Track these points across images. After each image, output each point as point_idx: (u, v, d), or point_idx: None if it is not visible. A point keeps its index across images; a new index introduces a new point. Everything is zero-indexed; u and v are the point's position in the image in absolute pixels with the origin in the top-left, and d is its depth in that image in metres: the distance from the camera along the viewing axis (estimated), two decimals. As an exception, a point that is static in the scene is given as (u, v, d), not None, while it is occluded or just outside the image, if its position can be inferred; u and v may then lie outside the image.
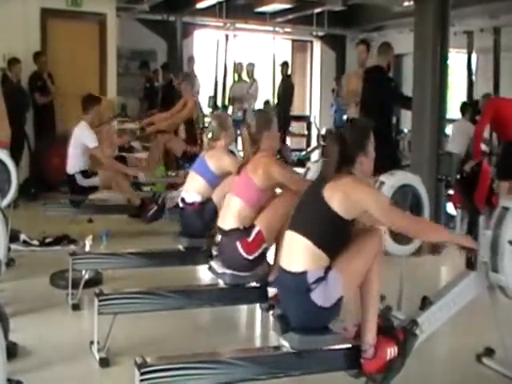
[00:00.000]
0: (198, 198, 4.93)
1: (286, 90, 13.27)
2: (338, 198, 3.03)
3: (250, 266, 4.06)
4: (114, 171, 7.11)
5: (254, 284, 4.16)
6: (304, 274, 3.01)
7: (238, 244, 3.99)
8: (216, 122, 5.19)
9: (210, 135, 5.12)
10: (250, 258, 4.00)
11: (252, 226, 4.02)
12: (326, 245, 3.05)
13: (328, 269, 3.03)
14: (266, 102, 13.59)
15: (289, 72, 13.57)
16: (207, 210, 4.88)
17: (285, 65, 13.36)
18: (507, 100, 7.82)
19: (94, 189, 7.13)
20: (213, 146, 5.09)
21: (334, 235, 3.09)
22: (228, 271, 4.10)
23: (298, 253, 3.08)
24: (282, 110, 13.07)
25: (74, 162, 6.99)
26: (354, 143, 3.20)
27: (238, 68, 12.65)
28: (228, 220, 4.11)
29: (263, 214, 4.04)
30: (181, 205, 5.08)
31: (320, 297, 2.99)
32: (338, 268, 3.03)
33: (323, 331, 3.09)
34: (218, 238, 4.23)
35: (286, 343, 3.07)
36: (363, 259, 3.11)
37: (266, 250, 4.08)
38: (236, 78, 12.94)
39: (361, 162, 3.19)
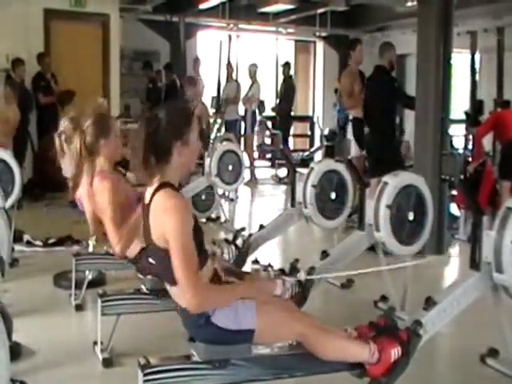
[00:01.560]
0: None
1: (288, 91, 13.25)
2: (159, 233, 2.67)
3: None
4: None
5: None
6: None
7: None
8: (68, 123, 4.63)
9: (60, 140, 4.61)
10: None
11: None
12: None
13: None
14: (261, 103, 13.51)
15: (291, 73, 13.56)
16: None
17: (286, 65, 13.35)
18: (507, 111, 7.93)
19: None
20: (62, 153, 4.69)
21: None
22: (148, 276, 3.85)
23: (178, 297, 2.78)
24: (284, 111, 13.07)
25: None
26: (167, 128, 2.72)
27: (229, 68, 12.58)
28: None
29: None
30: None
31: (223, 320, 2.75)
32: (258, 306, 2.80)
33: (231, 342, 2.87)
34: None
35: (193, 352, 2.93)
36: (285, 324, 2.88)
37: None
38: (229, 79, 12.80)
39: (179, 153, 2.74)
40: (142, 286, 3.94)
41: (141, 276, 3.93)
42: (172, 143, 2.72)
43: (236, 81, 12.45)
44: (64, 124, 4.66)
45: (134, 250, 3.99)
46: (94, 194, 3.88)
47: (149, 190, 2.77)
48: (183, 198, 2.76)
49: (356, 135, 7.57)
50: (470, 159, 7.74)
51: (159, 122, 2.72)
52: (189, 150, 2.78)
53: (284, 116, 13.21)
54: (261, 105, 12.76)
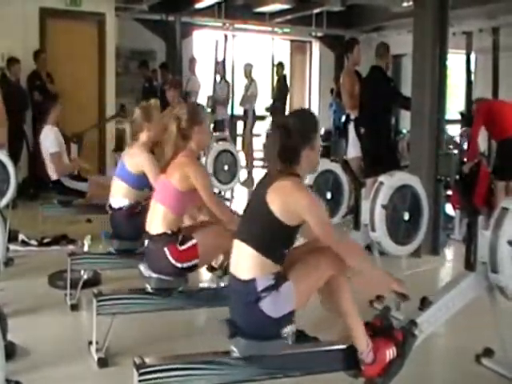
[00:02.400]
0: (125, 202, 4.71)
1: (282, 91, 13.16)
2: (279, 204, 2.90)
3: (178, 273, 3.87)
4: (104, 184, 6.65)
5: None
6: (253, 281, 2.90)
7: (166, 249, 3.80)
8: (140, 111, 4.82)
9: (132, 124, 4.80)
10: (179, 266, 3.81)
11: (179, 230, 3.86)
12: (271, 252, 2.93)
13: (280, 277, 2.92)
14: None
15: (284, 72, 13.47)
16: (136, 214, 4.58)
17: (280, 65, 13.25)
18: (497, 101, 7.87)
19: (80, 194, 6.78)
20: (135, 138, 4.80)
21: (280, 241, 2.97)
22: (154, 275, 3.89)
23: (244, 261, 2.96)
24: (278, 111, 12.95)
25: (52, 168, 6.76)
26: (298, 135, 2.98)
27: (218, 68, 12.54)
28: (154, 225, 3.88)
29: (205, 232, 3.90)
30: (108, 211, 4.87)
31: (269, 307, 2.89)
32: (293, 281, 2.93)
33: (271, 337, 2.97)
34: (145, 242, 3.97)
35: (233, 348, 2.99)
36: (319, 275, 3.00)
37: (196, 266, 3.92)
38: (218, 78, 12.74)
39: (307, 156, 3.01)
40: (147, 285, 3.94)
41: (146, 275, 3.92)
42: (302, 147, 2.98)
43: (226, 81, 12.42)
44: (136, 113, 4.79)
45: None
46: (179, 167, 3.87)
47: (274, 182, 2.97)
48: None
49: (357, 136, 7.57)
50: (466, 159, 7.74)
51: (290, 129, 2.98)
52: (314, 153, 3.05)
53: (278, 116, 13.15)
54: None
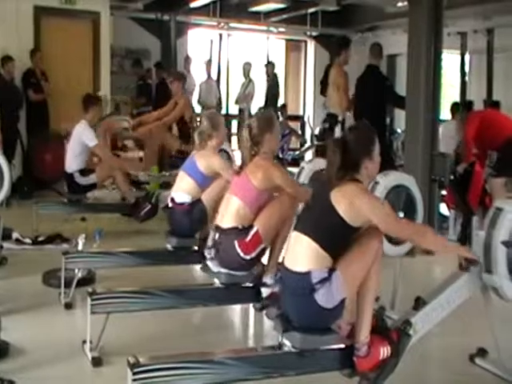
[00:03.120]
0: (187, 199, 4.92)
1: (272, 90, 13.07)
2: (344, 205, 3.06)
3: (247, 266, 4.05)
4: (111, 167, 7.15)
5: (247, 284, 4.15)
6: (308, 274, 3.02)
7: (236, 243, 3.98)
8: (208, 121, 5.13)
9: (201, 135, 5.07)
10: (247, 257, 3.99)
11: (250, 227, 4.01)
12: (330, 247, 3.07)
13: (331, 270, 3.04)
14: (283, 106, 13.53)
15: (275, 71, 13.41)
16: (196, 211, 4.87)
17: (270, 65, 13.19)
18: (485, 112, 7.86)
19: (92, 186, 7.17)
20: (203, 145, 5.06)
21: (339, 239, 3.11)
22: (224, 270, 4.09)
23: (302, 253, 3.09)
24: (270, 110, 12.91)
25: (72, 161, 7.03)
26: (358, 148, 3.21)
27: (208, 66, 12.46)
28: (227, 219, 4.09)
29: (261, 215, 4.03)
30: (170, 204, 5.05)
31: (323, 298, 3.01)
32: (341, 269, 3.05)
33: (325, 331, 3.11)
34: (216, 236, 4.18)
35: (287, 342, 3.08)
36: (364, 260, 3.12)
37: (263, 251, 4.07)
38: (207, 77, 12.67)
39: (366, 167, 3.21)
40: (216, 280, 4.17)
41: (215, 270, 4.14)
42: (361, 160, 3.19)
43: (213, 80, 12.41)
44: (204, 123, 5.11)
45: None
46: (262, 169, 4.10)
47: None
48: None
49: None
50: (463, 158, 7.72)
51: (349, 142, 3.20)
52: (373, 164, 3.25)
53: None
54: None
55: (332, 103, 7.95)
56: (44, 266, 5.37)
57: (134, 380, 2.78)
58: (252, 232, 3.98)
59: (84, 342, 3.87)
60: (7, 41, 9.32)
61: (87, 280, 5.04)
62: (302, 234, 3.13)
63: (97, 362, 3.73)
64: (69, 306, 4.70)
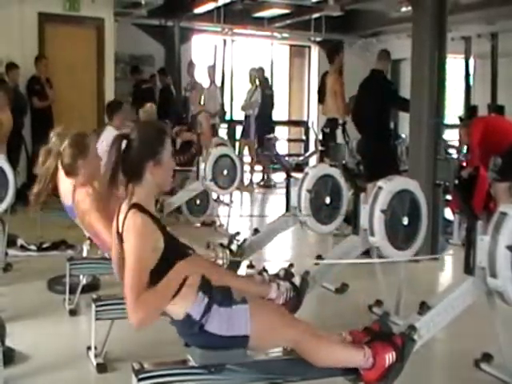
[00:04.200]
0: None
1: (265, 96, 12.86)
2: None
3: None
4: None
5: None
6: (187, 317, 2.73)
7: None
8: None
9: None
10: None
11: None
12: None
13: (207, 289, 2.75)
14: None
15: (265, 76, 13.25)
16: None
17: (260, 70, 12.96)
18: (490, 118, 7.86)
19: None
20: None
21: (165, 272, 2.63)
22: None
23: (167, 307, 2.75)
24: (263, 115, 12.63)
25: None
26: (140, 148, 2.70)
27: (211, 71, 12.45)
28: None
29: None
30: None
31: (217, 326, 2.73)
32: (253, 311, 2.79)
33: (228, 348, 2.86)
34: None
35: (189, 357, 2.92)
36: (279, 328, 2.88)
37: None
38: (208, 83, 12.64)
39: (151, 172, 2.71)
40: None
41: None
42: (144, 163, 2.70)
43: (216, 85, 12.41)
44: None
45: None
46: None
47: (120, 218, 2.71)
48: (145, 217, 2.64)
49: (345, 141, 7.61)
50: (464, 164, 7.74)
51: (131, 141, 2.70)
52: (162, 169, 2.75)
53: (262, 121, 12.60)
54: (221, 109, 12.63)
55: (329, 109, 8.00)
56: (49, 272, 5.38)
57: (139, 386, 2.77)
58: None
59: (89, 348, 3.87)
60: (12, 48, 9.35)
61: (92, 286, 5.05)
62: None
63: (101, 368, 3.73)
64: (73, 312, 4.71)
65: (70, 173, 3.89)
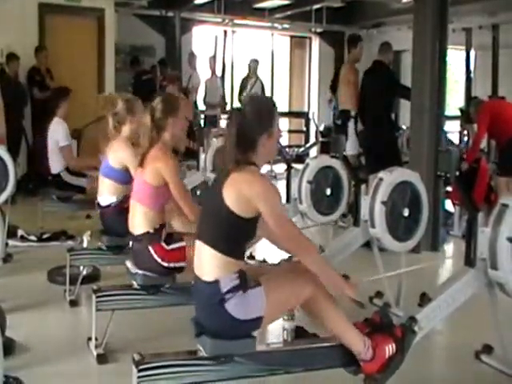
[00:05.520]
0: (112, 200, 4.65)
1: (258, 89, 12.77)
2: (234, 196, 2.79)
3: (165, 272, 3.83)
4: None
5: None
6: (216, 282, 2.83)
7: (151, 248, 3.78)
8: (124, 103, 4.78)
9: (114, 116, 4.75)
10: (165, 264, 3.79)
11: (162, 225, 3.85)
12: (231, 250, 2.85)
13: (243, 276, 2.85)
14: None
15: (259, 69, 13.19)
16: (126, 209, 4.25)
17: (255, 62, 12.81)
18: (500, 103, 7.85)
19: (80, 189, 6.77)
20: (117, 130, 4.76)
21: (237, 237, 2.87)
22: (140, 271, 3.86)
23: (206, 262, 2.88)
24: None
25: (57, 161, 6.85)
26: (254, 123, 2.88)
27: (212, 62, 12.36)
28: (137, 225, 3.85)
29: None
30: (97, 210, 4.83)
31: (235, 308, 2.82)
32: (266, 288, 2.87)
33: (238, 337, 2.91)
34: (130, 243, 3.97)
35: (199, 347, 2.95)
36: (295, 293, 2.95)
37: (183, 268, 3.83)
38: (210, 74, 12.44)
39: (263, 144, 2.90)
40: (134, 282, 3.93)
41: (133, 272, 3.91)
42: (257, 135, 2.87)
43: (217, 77, 12.34)
44: (119, 106, 4.76)
45: None
46: (152, 161, 3.82)
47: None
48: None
49: (356, 133, 7.57)
50: (466, 156, 7.73)
51: (246, 115, 2.89)
52: (272, 141, 2.94)
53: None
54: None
55: (343, 99, 7.97)
56: (49, 263, 5.38)
57: (139, 377, 2.77)
58: (177, 244, 3.80)
59: (89, 338, 3.88)
60: (12, 38, 9.31)
61: (92, 277, 5.06)
62: (203, 243, 2.91)
63: (102, 358, 3.74)
64: (74, 303, 4.71)
65: (160, 128, 3.86)
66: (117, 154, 4.65)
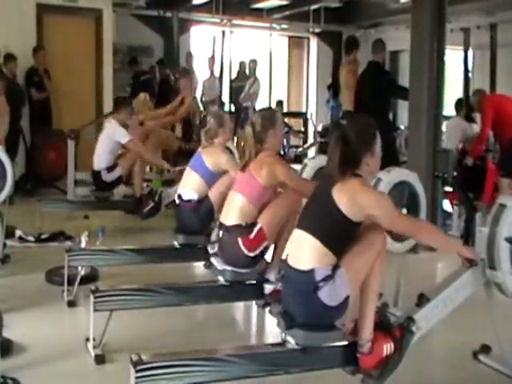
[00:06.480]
0: (194, 196, 4.90)
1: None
2: (346, 200, 3.02)
3: (251, 263, 4.04)
4: (133, 159, 7.12)
5: (251, 281, 4.14)
6: (312, 272, 3.00)
7: (240, 240, 3.97)
8: (214, 119, 5.13)
9: (207, 133, 5.08)
10: (251, 254, 3.98)
11: (254, 223, 4.01)
12: (333, 244, 3.04)
13: (335, 267, 3.02)
14: (279, 103, 13.44)
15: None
16: (204, 208, 4.86)
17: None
18: (505, 97, 7.83)
19: (118, 181, 7.10)
20: (210, 143, 5.06)
21: (342, 235, 3.08)
22: (228, 268, 4.08)
23: (305, 251, 3.06)
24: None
25: (101, 159, 6.98)
26: (359, 144, 3.14)
27: (210, 62, 12.33)
28: (231, 216, 4.08)
29: (265, 212, 4.02)
30: (177, 201, 5.05)
31: (328, 296, 2.98)
32: (345, 266, 3.02)
33: (328, 328, 3.09)
34: (220, 233, 4.17)
35: (290, 339, 3.06)
36: (367, 257, 3.11)
37: (267, 248, 4.06)
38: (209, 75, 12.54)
39: (367, 163, 3.16)
40: (220, 278, 4.13)
41: (220, 268, 4.12)
42: (362, 156, 3.14)
43: (215, 76, 12.33)
44: (209, 122, 5.10)
45: None
46: (266, 165, 4.08)
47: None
48: None
49: None
50: (470, 150, 7.71)
51: (350, 135, 3.13)
52: (374, 159, 3.21)
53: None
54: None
55: (344, 101, 8.00)
56: (47, 263, 5.38)
57: (137, 377, 2.77)
58: (256, 229, 3.97)
59: (87, 339, 3.88)
60: (10, 39, 9.30)
61: (90, 277, 5.05)
62: (305, 232, 3.10)
63: (100, 359, 3.73)
64: (72, 303, 4.70)
65: (261, 140, 4.17)
66: (215, 159, 4.92)
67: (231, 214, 4.08)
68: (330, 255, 3.03)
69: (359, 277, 3.09)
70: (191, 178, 4.98)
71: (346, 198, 3.03)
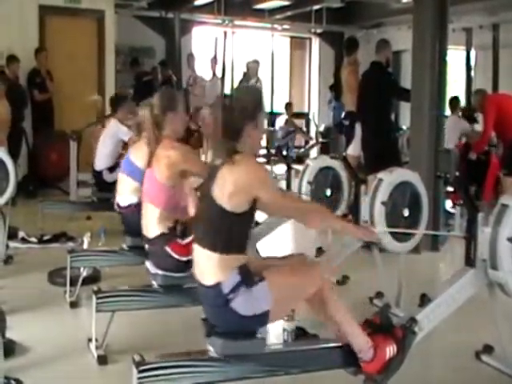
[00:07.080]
0: (133, 199, 4.61)
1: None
2: (228, 193, 2.77)
3: (185, 267, 3.75)
4: None
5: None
6: (218, 285, 2.81)
7: (168, 248, 3.80)
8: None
9: (136, 126, 4.75)
10: (184, 259, 3.75)
11: (175, 223, 3.81)
12: (229, 247, 2.82)
13: (245, 270, 2.84)
14: (288, 105, 13.40)
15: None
16: None
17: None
18: (506, 96, 7.83)
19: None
20: (137, 139, 4.68)
21: (233, 234, 2.84)
22: (160, 272, 3.89)
23: (206, 266, 2.87)
24: None
25: (103, 159, 6.97)
26: (240, 111, 2.88)
27: (213, 63, 12.35)
28: (150, 228, 3.86)
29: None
30: (117, 209, 4.83)
31: (242, 306, 2.81)
32: (271, 283, 2.85)
33: (248, 336, 2.93)
34: (146, 246, 3.98)
35: (210, 347, 2.96)
36: (300, 288, 2.96)
37: None
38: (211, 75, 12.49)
39: (249, 134, 2.89)
40: (154, 282, 3.95)
41: (152, 272, 3.92)
42: (244, 125, 2.87)
43: (218, 78, 12.33)
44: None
45: None
46: (161, 158, 3.82)
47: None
48: None
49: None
50: (474, 146, 7.71)
51: (233, 102, 2.92)
52: (257, 132, 2.94)
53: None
54: None
55: (347, 102, 8.03)
56: (49, 264, 5.38)
57: (140, 378, 2.77)
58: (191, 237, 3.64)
59: (89, 340, 3.88)
60: (12, 40, 9.33)
61: (92, 278, 5.06)
62: (199, 247, 2.91)
63: (102, 360, 3.73)
64: (74, 304, 4.71)
65: (158, 124, 3.86)
66: (141, 154, 4.46)
67: (150, 227, 3.86)
68: (230, 259, 2.82)
69: (285, 302, 2.96)
70: (124, 182, 4.73)
71: (228, 189, 2.76)
